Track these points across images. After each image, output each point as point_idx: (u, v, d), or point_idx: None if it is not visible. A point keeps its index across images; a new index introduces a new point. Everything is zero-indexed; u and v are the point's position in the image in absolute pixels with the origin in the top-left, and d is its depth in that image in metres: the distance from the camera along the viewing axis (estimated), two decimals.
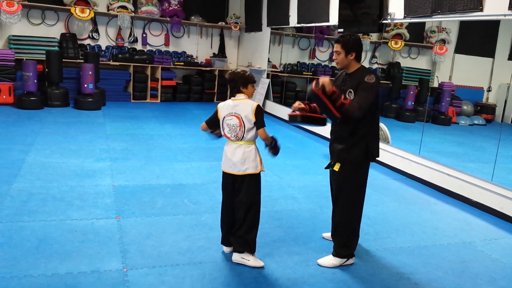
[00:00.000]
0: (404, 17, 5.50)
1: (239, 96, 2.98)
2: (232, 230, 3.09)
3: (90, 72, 8.15)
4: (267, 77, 9.59)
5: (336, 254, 3.15)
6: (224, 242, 3.19)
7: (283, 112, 8.82)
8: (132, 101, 9.80)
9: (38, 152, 5.26)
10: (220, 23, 10.87)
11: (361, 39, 9.05)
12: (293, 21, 8.42)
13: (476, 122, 8.78)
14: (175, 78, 10.31)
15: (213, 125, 3.11)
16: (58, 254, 2.96)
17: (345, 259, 3.14)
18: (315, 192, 4.65)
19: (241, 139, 2.96)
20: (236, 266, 3.00)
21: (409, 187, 5.13)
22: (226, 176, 3.06)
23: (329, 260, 3.14)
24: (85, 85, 8.18)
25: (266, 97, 9.53)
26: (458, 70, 8.80)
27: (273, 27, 9.44)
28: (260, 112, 2.94)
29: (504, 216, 4.21)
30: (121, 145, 5.90)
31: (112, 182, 4.42)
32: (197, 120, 8.23)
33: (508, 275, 3.18)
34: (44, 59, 8.24)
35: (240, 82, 2.97)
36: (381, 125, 6.26)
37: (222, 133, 3.05)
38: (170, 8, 10.02)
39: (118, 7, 9.45)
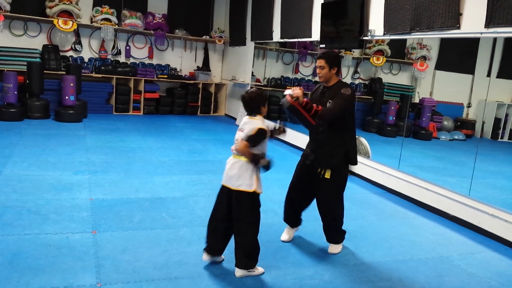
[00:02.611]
0: (384, 34, 5.59)
1: (257, 116, 3.03)
2: (220, 240, 3.11)
3: (72, 84, 8.09)
4: None
5: (334, 241, 3.61)
6: (210, 250, 3.13)
7: (266, 126, 8.84)
8: (114, 113, 9.73)
9: (15, 165, 5.17)
10: (204, 37, 10.91)
11: (344, 55, 9.27)
12: (276, 36, 8.50)
13: (456, 137, 8.90)
14: (158, 90, 10.28)
15: None
16: (31, 268, 2.89)
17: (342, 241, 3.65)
18: None
19: (241, 155, 2.98)
20: (213, 281, 2.97)
21: (389, 201, 5.16)
22: (223, 189, 3.09)
23: (335, 248, 3.58)
24: (66, 97, 8.11)
25: None
26: (439, 86, 8.95)
27: (257, 41, 9.51)
28: (260, 133, 2.94)
29: (481, 230, 4.25)
30: (100, 158, 5.83)
31: (89, 196, 4.36)
32: (179, 133, 8.20)
33: None
34: (25, 70, 8.15)
35: (262, 102, 3.04)
36: (362, 139, 6.32)
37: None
38: (154, 21, 10.03)
39: (102, 19, 9.42)
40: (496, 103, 8.91)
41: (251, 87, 3.17)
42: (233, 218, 3.03)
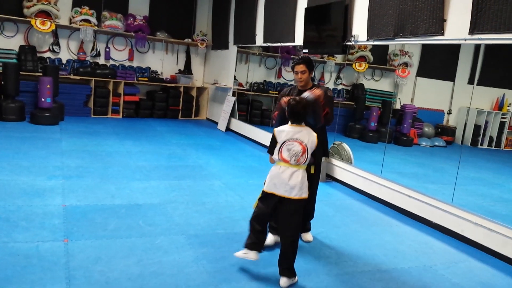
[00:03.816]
0: (368, 40, 5.55)
1: (303, 124, 3.10)
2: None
3: (48, 86, 7.86)
4: (233, 95, 9.52)
5: (309, 229, 3.93)
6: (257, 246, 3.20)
7: (249, 130, 8.74)
8: (92, 116, 9.49)
9: None
10: (186, 40, 10.77)
11: (327, 60, 9.25)
12: (259, 40, 8.42)
13: (436, 143, 8.95)
14: (138, 93, 10.09)
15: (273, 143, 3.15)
16: None
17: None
18: None
19: (300, 164, 3.03)
20: None
21: (371, 208, 5.10)
22: (272, 198, 3.08)
23: (310, 236, 3.91)
24: (43, 99, 7.87)
25: (232, 115, 9.43)
26: (420, 93, 9.00)
27: (240, 45, 9.41)
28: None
29: (464, 239, 4.21)
30: (76, 162, 5.64)
31: (62, 202, 4.17)
32: (159, 137, 8.04)
33: None
34: (0, 71, 7.89)
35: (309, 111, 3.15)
36: (344, 145, 6.27)
37: (278, 157, 3.06)
38: (135, 23, 9.86)
39: (81, 21, 9.21)
40: (476, 110, 9.00)
41: (301, 98, 3.22)
42: (288, 225, 3.07)
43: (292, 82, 9.91)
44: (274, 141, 3.09)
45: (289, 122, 3.10)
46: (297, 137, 3.01)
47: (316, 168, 3.58)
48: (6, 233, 3.41)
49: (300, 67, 3.56)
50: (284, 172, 3.02)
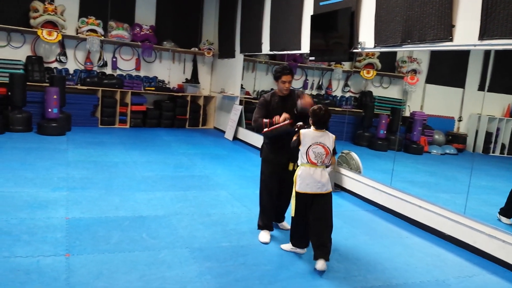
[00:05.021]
0: (375, 46, 5.46)
1: (320, 128, 3.55)
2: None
3: (55, 96, 7.85)
4: (240, 104, 9.46)
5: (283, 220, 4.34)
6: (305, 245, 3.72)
7: (256, 139, 8.66)
8: (99, 126, 9.48)
9: None
10: (193, 49, 10.75)
11: (334, 68, 9.17)
12: (265, 48, 8.36)
13: (447, 151, 8.79)
14: (145, 103, 10.07)
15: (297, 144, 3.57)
16: None
17: None
18: None
19: (324, 164, 3.53)
20: None
21: (381, 219, 4.98)
22: (306, 197, 3.51)
23: (286, 225, 4.26)
24: (49, 110, 7.86)
25: (239, 123, 9.37)
26: (429, 100, 8.87)
27: (246, 53, 9.36)
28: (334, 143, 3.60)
29: (477, 251, 4.07)
30: (81, 173, 5.59)
31: (66, 214, 4.11)
32: (166, 146, 7.98)
33: None
34: (7, 82, 7.91)
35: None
36: (353, 154, 6.16)
37: (306, 160, 3.51)
38: (142, 33, 9.86)
39: (87, 31, 9.22)
40: (487, 117, 8.84)
41: (321, 105, 3.63)
42: (321, 216, 3.53)
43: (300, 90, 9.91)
44: (297, 141, 3.54)
45: (312, 128, 3.54)
46: (320, 141, 3.50)
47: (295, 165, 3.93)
48: (8, 247, 3.35)
49: (289, 77, 3.88)
50: (314, 173, 3.49)
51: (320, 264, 3.43)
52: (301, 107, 3.80)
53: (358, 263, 3.70)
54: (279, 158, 4.00)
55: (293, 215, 3.60)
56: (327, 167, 3.58)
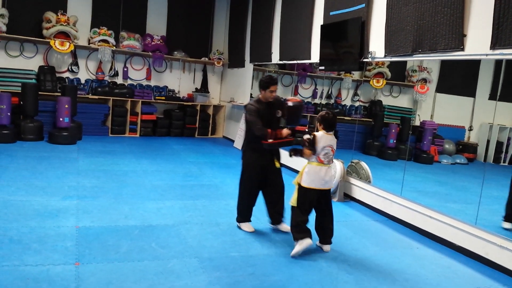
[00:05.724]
0: (385, 56, 5.45)
1: (330, 132, 3.92)
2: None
3: (66, 106, 7.94)
4: None
5: (282, 221, 4.53)
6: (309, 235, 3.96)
7: None
8: (110, 135, 9.56)
9: (2, 189, 4.96)
10: (203, 59, 10.83)
11: (344, 77, 9.17)
12: (275, 57, 8.39)
13: (458, 161, 8.71)
14: (155, 112, 10.14)
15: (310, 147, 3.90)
16: None
17: None
18: None
19: (330, 163, 3.94)
20: None
21: (391, 230, 4.93)
22: (314, 193, 3.90)
23: (286, 226, 4.38)
24: (61, 119, 7.95)
25: None
26: (440, 109, 8.80)
27: (256, 63, 9.40)
28: None
29: (489, 262, 4.01)
30: (92, 182, 5.62)
31: (76, 223, 4.13)
32: (175, 155, 8.01)
33: None
34: (20, 91, 8.02)
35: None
36: (362, 163, 6.13)
37: (315, 159, 3.87)
38: (153, 43, 9.95)
39: (99, 41, 9.34)
40: (498, 126, 8.75)
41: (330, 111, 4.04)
42: (326, 208, 4.02)
43: (309, 99, 9.91)
44: (312, 143, 3.83)
45: (322, 131, 3.89)
46: (329, 143, 3.87)
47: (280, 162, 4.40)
48: (18, 255, 3.37)
49: (276, 87, 4.25)
50: (321, 171, 3.88)
51: (326, 247, 4.06)
52: (293, 104, 4.28)
53: (369, 274, 3.66)
54: (263, 157, 4.30)
55: (294, 205, 3.95)
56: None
